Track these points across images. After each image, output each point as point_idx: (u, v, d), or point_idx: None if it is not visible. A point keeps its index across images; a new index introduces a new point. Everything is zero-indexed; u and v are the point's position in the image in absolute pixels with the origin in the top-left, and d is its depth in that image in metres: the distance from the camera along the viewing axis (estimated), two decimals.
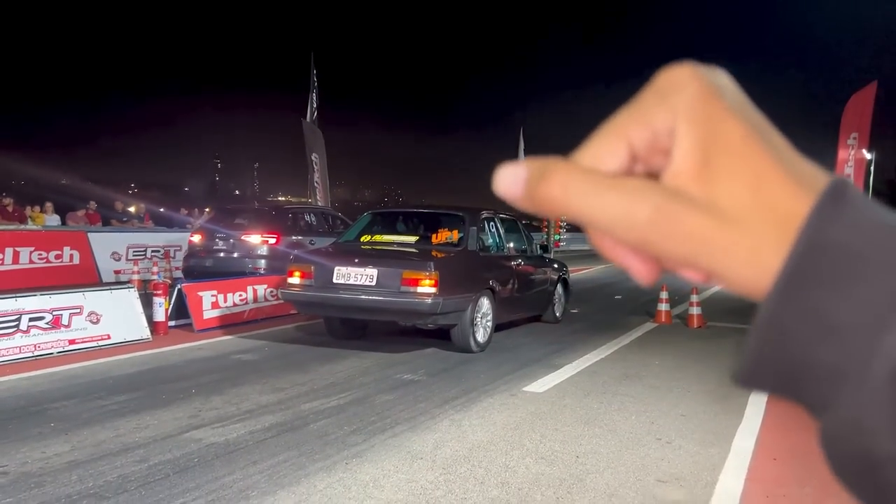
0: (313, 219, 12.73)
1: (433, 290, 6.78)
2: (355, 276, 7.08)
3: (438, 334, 7.48)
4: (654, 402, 5.63)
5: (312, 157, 18.57)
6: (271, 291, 9.13)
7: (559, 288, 9.80)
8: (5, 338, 6.17)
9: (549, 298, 9.50)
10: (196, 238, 11.51)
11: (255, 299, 9.04)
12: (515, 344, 8.12)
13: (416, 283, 6.83)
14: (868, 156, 15.99)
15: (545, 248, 10.06)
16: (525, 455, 4.24)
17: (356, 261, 7.20)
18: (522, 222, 9.82)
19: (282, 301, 8.27)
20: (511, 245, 8.71)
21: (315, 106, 19.16)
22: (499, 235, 8.56)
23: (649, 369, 6.94)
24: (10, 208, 13.47)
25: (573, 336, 8.83)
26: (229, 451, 4.13)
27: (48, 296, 6.76)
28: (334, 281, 7.15)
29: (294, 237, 11.41)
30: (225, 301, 8.66)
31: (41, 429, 4.43)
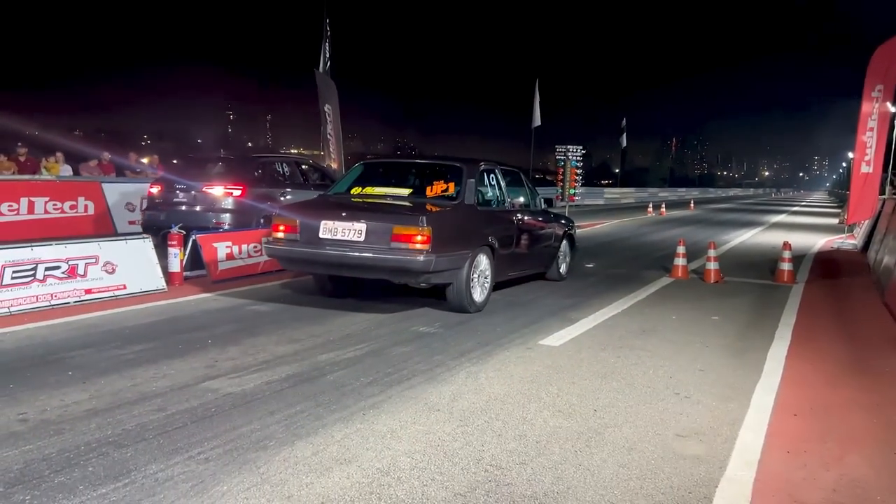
0: (286, 169, 11.87)
1: (425, 246, 6.35)
2: (343, 230, 6.65)
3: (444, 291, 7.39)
4: (671, 357, 5.58)
5: (325, 109, 18.33)
6: (263, 246, 9.04)
7: (564, 244, 9.43)
8: (22, 287, 6.18)
9: (553, 255, 9.15)
10: (155, 190, 10.69)
11: None
12: (530, 298, 8.07)
13: (407, 238, 6.41)
14: (893, 109, 15.55)
15: (550, 203, 9.45)
16: (542, 408, 4.21)
17: (344, 214, 6.74)
18: (527, 174, 9.47)
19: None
20: (513, 199, 8.24)
21: (328, 56, 18.84)
22: (499, 188, 8.07)
23: (666, 324, 6.88)
24: (23, 158, 13.45)
25: (589, 290, 8.77)
26: (246, 401, 4.13)
27: (64, 245, 6.75)
28: (320, 236, 6.72)
29: (263, 189, 10.59)
30: (240, 252, 8.64)
31: (59, 377, 4.44)
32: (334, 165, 16.94)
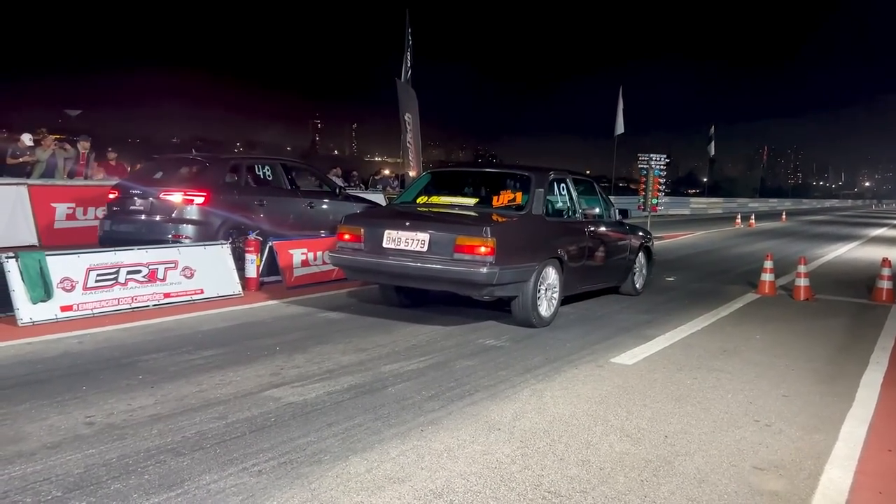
0: (268, 173, 10.67)
1: (489, 258, 6.15)
2: (406, 240, 6.53)
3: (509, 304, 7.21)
4: (753, 380, 5.24)
5: (405, 118, 18.48)
6: (328, 255, 9.05)
7: (640, 257, 9.05)
8: (105, 290, 6.42)
9: (628, 268, 8.76)
10: (112, 196, 9.35)
11: None
12: (604, 312, 7.80)
13: (470, 249, 6.23)
14: None
15: (625, 214, 8.97)
16: (609, 432, 4.01)
17: (407, 224, 6.62)
18: (601, 184, 9.16)
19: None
20: (585, 209, 7.91)
21: (409, 65, 19.01)
22: (570, 198, 7.78)
23: (749, 344, 6.50)
24: (113, 163, 14.10)
25: (667, 305, 8.41)
26: (306, 412, 4.11)
27: (145, 250, 6.99)
28: (384, 245, 6.62)
29: (234, 196, 9.21)
30: (315, 259, 8.74)
31: (129, 381, 4.55)
32: (412, 173, 17.04)
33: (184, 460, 3.34)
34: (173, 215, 8.70)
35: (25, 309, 5.84)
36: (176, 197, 8.77)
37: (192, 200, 8.73)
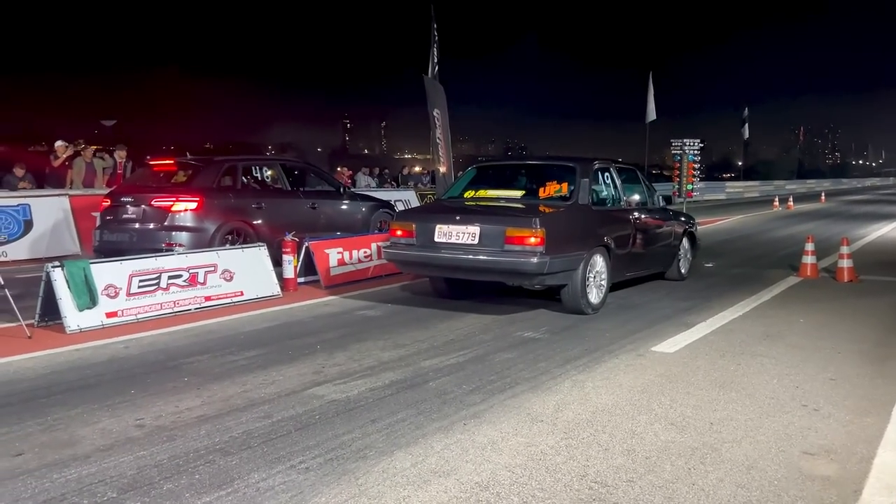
0: (267, 174, 10.54)
1: (539, 248, 6.33)
2: (457, 234, 6.74)
3: (559, 292, 7.19)
4: (798, 365, 5.15)
5: (434, 113, 18.47)
6: (382, 250, 9.12)
7: (685, 242, 9.08)
8: (148, 295, 6.55)
9: (672, 254, 8.82)
10: (105, 205, 9.10)
11: (379, 256, 9.11)
12: (643, 301, 7.73)
13: (520, 240, 6.40)
14: None
15: (668, 200, 9.14)
16: (653, 420, 3.98)
17: (457, 218, 6.86)
18: (650, 172, 9.19)
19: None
20: (629, 197, 8.01)
21: (436, 60, 18.99)
22: (615, 187, 7.89)
23: (793, 328, 6.39)
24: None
25: (707, 292, 8.30)
26: (349, 409, 4.15)
27: (185, 255, 7.11)
28: (436, 239, 6.85)
29: (230, 200, 8.97)
30: (350, 258, 8.81)
31: (176, 383, 4.64)
32: (443, 169, 17.05)
33: (232, 459, 3.40)
34: (165, 223, 8.48)
35: (73, 316, 5.99)
36: (166, 203, 8.54)
37: (184, 207, 8.51)
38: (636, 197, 8.16)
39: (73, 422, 3.92)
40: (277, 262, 8.00)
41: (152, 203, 8.62)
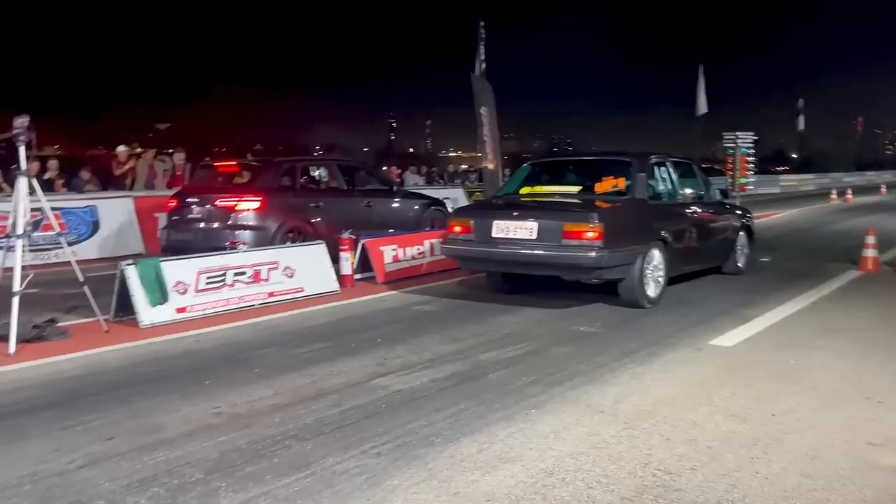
0: (324, 174, 10.84)
1: (597, 242, 6.43)
2: (514, 229, 6.87)
3: (614, 287, 7.23)
4: (860, 358, 5.10)
5: (481, 111, 18.55)
6: (440, 246, 9.26)
7: (742, 236, 9.04)
8: (214, 291, 6.82)
9: (729, 248, 8.79)
10: (172, 205, 9.47)
11: (432, 252, 9.28)
12: (699, 295, 7.70)
13: (578, 235, 6.51)
14: None
15: (725, 194, 9.17)
16: (714, 412, 4.02)
17: (515, 214, 7.00)
18: (700, 166, 9.16)
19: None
20: (685, 191, 8.05)
21: (483, 58, 19.06)
22: (671, 181, 7.94)
23: (854, 322, 6.31)
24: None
25: (765, 286, 8.21)
26: (413, 398, 4.29)
27: (249, 252, 7.39)
28: (493, 235, 6.99)
29: (290, 199, 9.28)
30: (404, 255, 8.98)
31: (247, 374, 4.86)
32: (490, 167, 17.12)
33: (307, 445, 3.58)
34: (229, 222, 8.79)
35: (146, 312, 6.28)
36: (231, 203, 8.86)
37: (247, 207, 8.81)
38: (692, 191, 8.19)
39: (155, 410, 4.16)
40: (335, 260, 8.22)
41: (217, 203, 8.95)
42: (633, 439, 3.61)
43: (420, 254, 9.19)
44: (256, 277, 7.19)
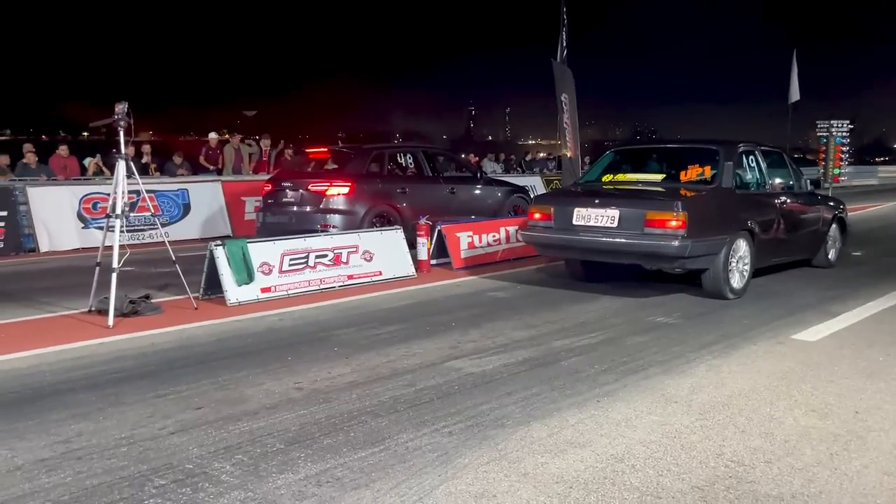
0: (409, 161, 10.98)
1: (681, 231, 6.33)
2: (596, 217, 6.83)
3: (692, 278, 7.09)
4: None
5: (562, 98, 18.36)
6: (519, 233, 9.28)
7: (833, 228, 8.70)
8: (297, 272, 7.07)
9: (820, 240, 8.48)
10: (267, 189, 9.98)
11: (508, 240, 9.31)
12: (784, 288, 7.46)
13: (661, 224, 6.42)
14: None
15: (817, 184, 8.87)
16: (793, 406, 3.92)
17: (596, 202, 6.94)
18: (792, 155, 8.84)
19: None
20: (774, 181, 7.80)
21: (565, 45, 18.83)
22: (759, 170, 7.72)
23: None
24: (289, 157, 15.17)
25: (855, 281, 7.87)
26: (486, 381, 4.36)
27: (330, 236, 7.62)
28: (574, 223, 6.98)
29: (377, 185, 9.69)
30: (480, 241, 9.05)
31: (327, 352, 5.04)
32: (570, 154, 16.95)
33: (382, 421, 3.70)
34: (321, 206, 9.24)
35: (232, 291, 6.58)
36: (322, 188, 9.31)
37: (337, 192, 9.24)
38: (782, 181, 7.94)
39: (240, 383, 4.38)
40: (413, 245, 8.36)
41: (309, 188, 9.43)
42: (707, 430, 3.57)
43: (496, 241, 9.23)
44: (337, 260, 7.40)
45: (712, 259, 6.64)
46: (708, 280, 6.79)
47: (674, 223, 6.38)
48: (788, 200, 7.88)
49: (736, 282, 6.86)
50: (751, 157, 7.73)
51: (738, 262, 6.90)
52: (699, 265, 6.68)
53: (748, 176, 7.62)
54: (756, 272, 7.26)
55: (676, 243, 6.34)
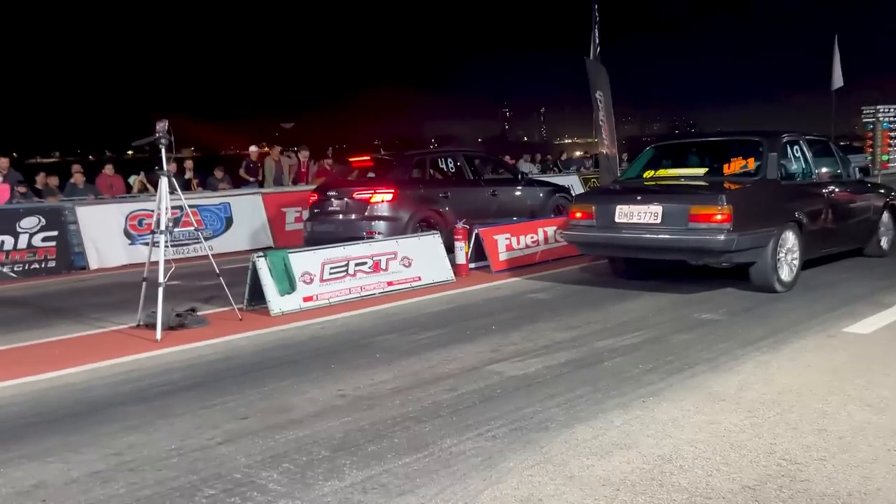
0: (450, 165, 10.96)
1: (726, 225, 6.25)
2: (638, 213, 6.78)
3: (737, 272, 6.95)
4: None
5: (597, 96, 18.18)
6: (560, 233, 9.23)
7: (886, 216, 8.48)
8: (337, 281, 7.14)
9: (871, 229, 8.27)
10: (313, 199, 10.13)
11: (546, 241, 9.25)
12: (833, 279, 7.27)
13: (706, 218, 6.35)
14: None
15: (866, 172, 8.66)
16: (847, 401, 3.81)
17: (639, 198, 6.91)
18: (837, 143, 8.64)
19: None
20: (821, 170, 7.66)
21: (597, 42, 18.67)
22: (805, 160, 7.57)
23: None
24: (329, 167, 15.35)
25: None
26: (528, 384, 4.34)
27: (369, 244, 7.67)
28: (616, 220, 6.93)
29: (420, 190, 9.73)
30: (518, 244, 9.01)
31: (368, 359, 5.07)
32: (607, 152, 16.78)
33: (425, 426, 3.71)
34: (366, 213, 9.35)
35: (275, 301, 6.67)
36: (365, 195, 9.44)
37: (381, 198, 9.34)
38: (829, 170, 7.79)
39: (285, 392, 4.43)
40: (450, 249, 8.37)
41: (354, 196, 9.56)
42: (757, 428, 3.49)
43: (534, 242, 9.19)
44: (376, 267, 7.45)
45: (760, 252, 6.53)
46: (756, 273, 6.68)
47: (719, 217, 6.30)
48: (836, 189, 7.70)
49: (785, 274, 6.74)
50: (795, 146, 7.58)
51: (786, 254, 6.77)
52: (746, 258, 6.57)
53: (793, 166, 7.48)
54: (805, 264, 7.10)
55: (722, 237, 6.25)
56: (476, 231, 8.83)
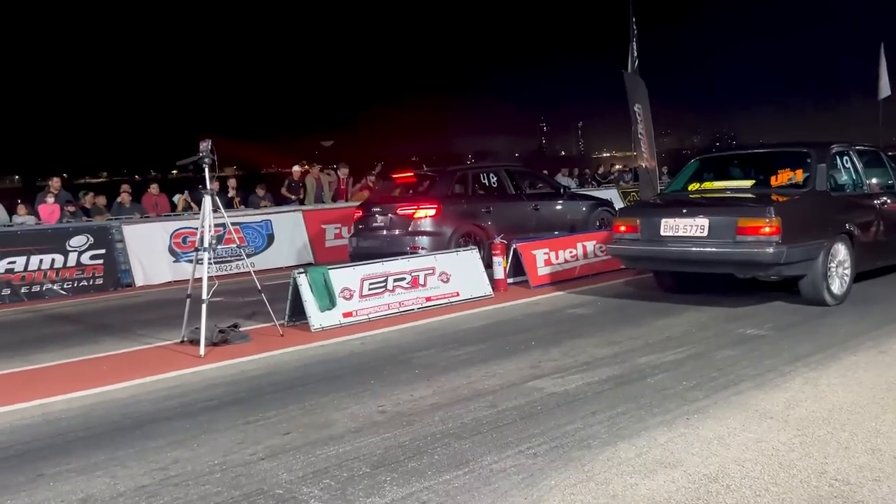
0: (493, 180, 11.00)
1: (775, 237, 6.14)
2: (684, 227, 6.70)
3: (784, 286, 6.80)
4: None
5: (635, 109, 18.04)
6: (600, 247, 9.16)
7: None
8: (377, 296, 7.17)
9: None
10: (358, 215, 10.32)
11: (585, 255, 9.18)
12: (885, 293, 7.07)
13: (754, 231, 6.25)
14: None
15: None
16: None
17: (684, 211, 6.84)
18: (888, 153, 8.41)
19: (610, 256, 8.21)
20: (872, 181, 7.51)
21: (636, 55, 18.55)
22: (855, 171, 7.42)
23: None
24: (371, 184, 15.48)
25: None
26: (569, 401, 4.29)
27: (407, 259, 7.70)
28: (662, 233, 6.87)
29: (462, 206, 9.83)
30: (556, 258, 8.95)
31: (408, 375, 5.08)
32: (646, 165, 16.61)
33: (465, 443, 3.69)
34: (409, 229, 9.46)
35: (316, 317, 6.73)
36: (409, 211, 9.56)
37: (424, 214, 9.45)
38: (880, 180, 7.65)
39: (326, 407, 4.45)
40: (489, 264, 8.36)
41: (397, 212, 9.69)
42: (807, 447, 3.39)
43: (573, 257, 9.12)
44: (415, 283, 7.47)
45: (809, 265, 6.41)
46: (806, 286, 6.55)
47: (767, 229, 6.20)
48: (889, 201, 7.53)
49: (836, 287, 6.61)
50: (845, 157, 7.45)
51: (837, 266, 6.63)
52: (795, 271, 6.45)
53: (843, 177, 7.35)
54: (860, 276, 6.93)
55: (771, 250, 6.15)
56: (514, 246, 8.80)
